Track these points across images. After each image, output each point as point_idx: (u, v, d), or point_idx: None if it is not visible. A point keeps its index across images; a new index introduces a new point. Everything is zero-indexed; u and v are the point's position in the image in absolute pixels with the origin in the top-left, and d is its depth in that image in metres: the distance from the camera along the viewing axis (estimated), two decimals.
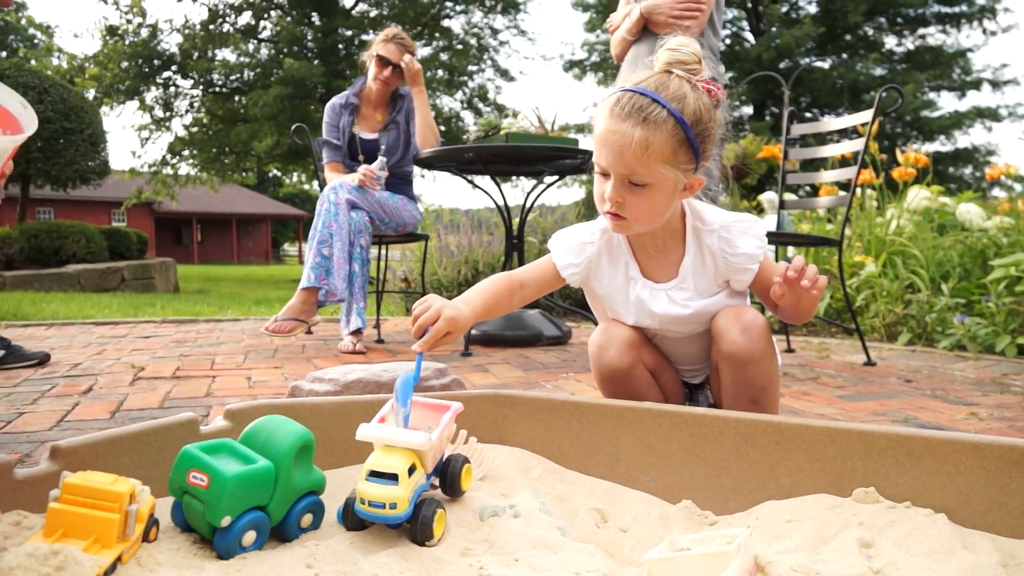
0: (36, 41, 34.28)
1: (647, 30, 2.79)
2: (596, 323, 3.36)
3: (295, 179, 26.43)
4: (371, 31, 17.65)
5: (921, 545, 0.96)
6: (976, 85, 21.69)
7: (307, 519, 1.01)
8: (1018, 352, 3.15)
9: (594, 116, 1.33)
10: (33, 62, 20.67)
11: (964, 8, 21.25)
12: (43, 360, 2.78)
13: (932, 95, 21.91)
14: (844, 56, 21.43)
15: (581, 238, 1.46)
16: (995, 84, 21.42)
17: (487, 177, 3.55)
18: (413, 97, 3.48)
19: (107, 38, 16.76)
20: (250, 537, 0.93)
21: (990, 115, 21.38)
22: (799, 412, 2.05)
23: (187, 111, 18.30)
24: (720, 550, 0.88)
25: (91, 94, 16.18)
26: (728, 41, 21.52)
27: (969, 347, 3.28)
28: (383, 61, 3.45)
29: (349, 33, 18.10)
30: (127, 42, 16.70)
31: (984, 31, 21.71)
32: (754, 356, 1.33)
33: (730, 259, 1.37)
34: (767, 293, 1.36)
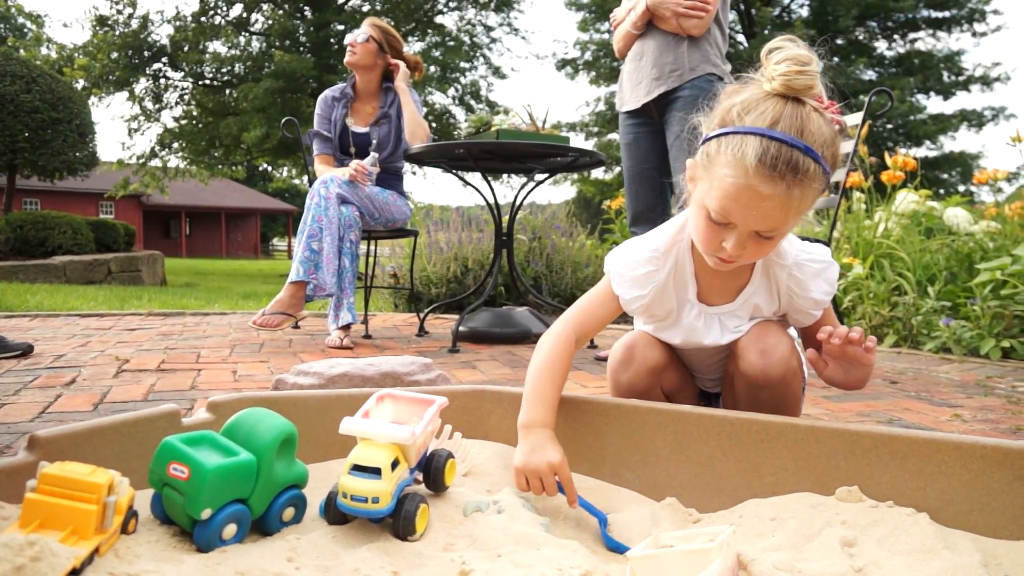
0: (26, 30, 33.98)
1: (652, 25, 2.79)
2: None
3: (285, 173, 26.33)
4: None
5: (903, 544, 0.96)
6: (966, 86, 21.80)
7: (289, 513, 1.01)
8: (1002, 355, 3.17)
9: (709, 155, 1.14)
10: (22, 51, 20.49)
11: (954, 12, 21.37)
12: (26, 351, 2.75)
13: (921, 97, 22.03)
14: (835, 60, 21.51)
15: (647, 267, 1.31)
16: (986, 81, 21.52)
17: (478, 175, 3.55)
18: (399, 94, 3.46)
19: (97, 28, 16.63)
20: (231, 530, 0.92)
21: (975, 118, 21.51)
22: None
23: (177, 103, 18.19)
24: (703, 547, 0.88)
25: (80, 84, 16.05)
26: None
27: (954, 350, 3.30)
28: (352, 37, 3.47)
29: (341, 27, 18.03)
30: (117, 33, 16.58)
31: (974, 33, 21.84)
32: (769, 380, 1.25)
33: (795, 300, 1.28)
34: (813, 340, 1.26)
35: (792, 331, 1.40)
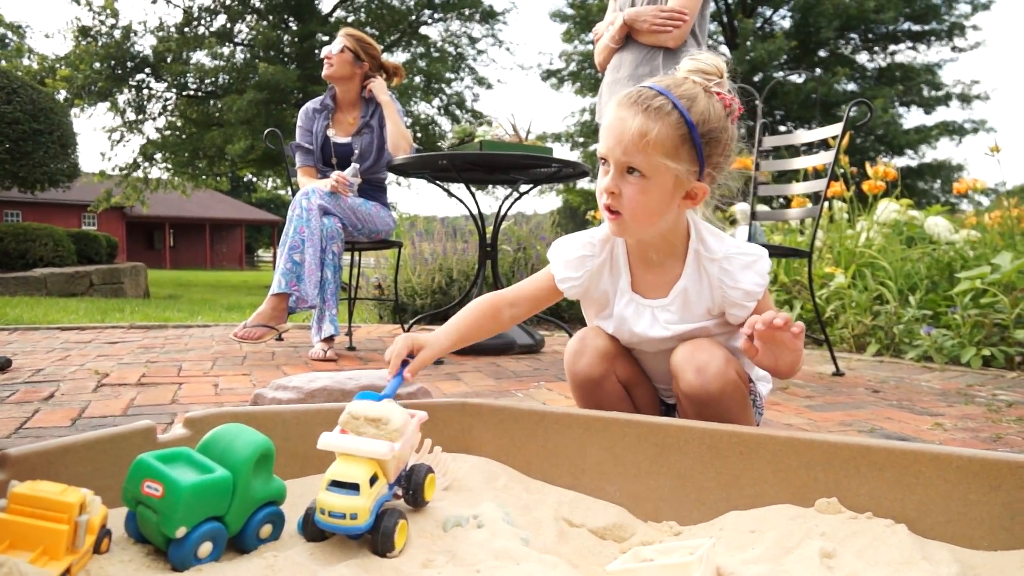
0: (7, 41, 33.72)
1: (630, 38, 2.82)
2: (569, 333, 3.37)
3: (270, 184, 26.26)
4: None
5: (882, 556, 0.96)
6: (945, 100, 22.10)
7: (266, 530, 0.99)
8: (983, 363, 3.20)
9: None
10: (3, 62, 20.33)
11: (934, 25, 21.66)
12: (4, 366, 2.72)
13: (902, 109, 22.29)
14: (817, 71, 21.76)
15: (581, 251, 1.43)
16: (965, 98, 21.81)
17: (462, 185, 3.55)
18: (382, 105, 3.46)
19: (79, 39, 16.56)
20: (206, 548, 0.91)
21: (957, 130, 21.79)
22: (767, 422, 2.06)
23: (160, 114, 18.11)
24: (682, 561, 0.88)
25: (62, 95, 15.94)
26: None
27: (935, 358, 3.32)
28: (328, 50, 3.48)
29: (326, 39, 18.06)
30: (100, 43, 16.52)
31: (953, 48, 22.14)
32: (711, 397, 1.28)
33: (727, 292, 1.33)
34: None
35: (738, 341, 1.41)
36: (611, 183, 1.26)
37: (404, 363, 1.28)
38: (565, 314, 5.35)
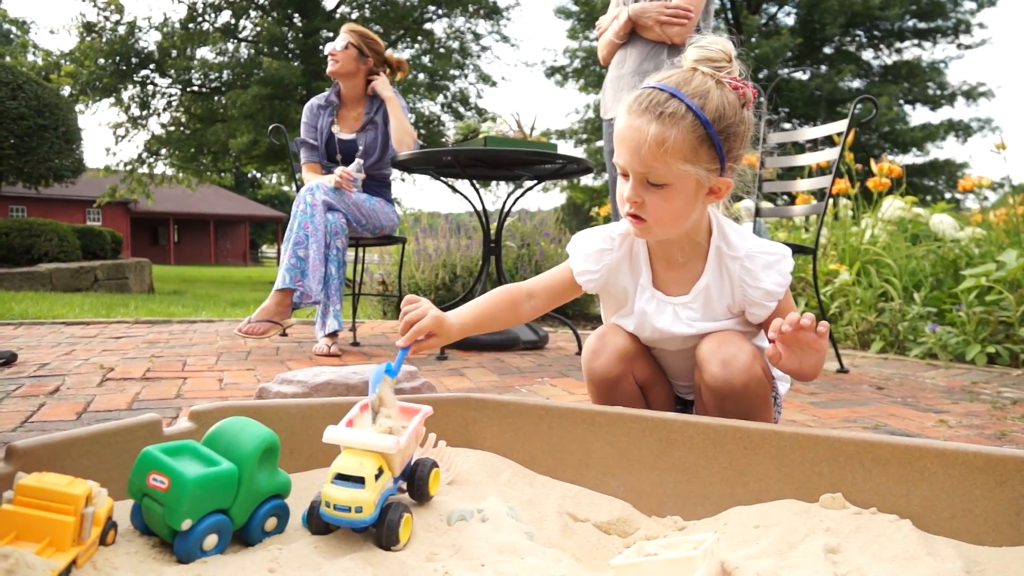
0: (11, 37, 33.77)
1: (635, 34, 2.82)
2: (573, 329, 3.37)
3: (274, 180, 26.30)
4: None
5: (886, 551, 0.96)
6: (951, 99, 22.02)
7: (271, 523, 1.00)
8: (988, 361, 3.19)
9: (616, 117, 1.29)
10: (8, 58, 20.36)
11: (940, 22, 21.57)
12: (10, 360, 2.73)
13: (907, 107, 22.21)
14: (822, 68, 21.70)
15: (600, 244, 1.40)
16: (969, 95, 21.73)
17: (466, 181, 3.55)
18: (385, 101, 3.46)
19: (84, 35, 16.57)
20: (211, 541, 0.91)
21: (963, 128, 21.71)
22: None
23: (165, 109, 18.13)
24: (686, 555, 0.88)
25: (66, 91, 15.97)
26: None
27: (940, 355, 3.32)
28: (332, 46, 3.48)
29: (330, 34, 18.04)
30: (104, 39, 16.52)
31: (959, 45, 22.06)
32: (734, 390, 1.27)
33: (748, 291, 1.31)
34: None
35: (763, 342, 1.40)
36: (632, 193, 1.23)
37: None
38: (569, 310, 5.35)
